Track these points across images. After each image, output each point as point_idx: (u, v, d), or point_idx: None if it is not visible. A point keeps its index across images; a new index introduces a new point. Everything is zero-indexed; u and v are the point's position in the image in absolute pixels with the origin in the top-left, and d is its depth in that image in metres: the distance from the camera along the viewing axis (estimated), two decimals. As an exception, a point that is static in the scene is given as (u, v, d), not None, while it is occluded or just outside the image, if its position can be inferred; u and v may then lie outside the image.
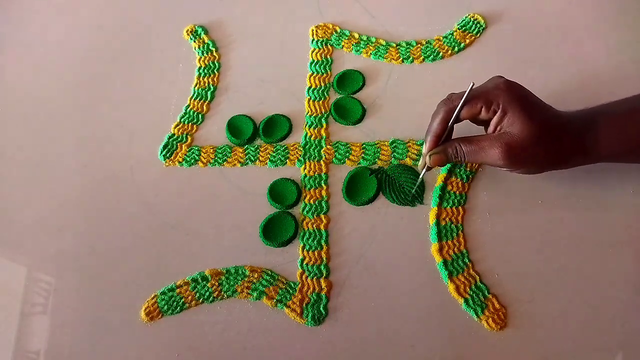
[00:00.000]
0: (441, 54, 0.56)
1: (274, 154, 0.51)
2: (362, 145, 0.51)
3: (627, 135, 0.39)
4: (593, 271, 0.43)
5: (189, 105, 0.54)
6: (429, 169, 0.44)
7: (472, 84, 0.40)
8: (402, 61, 0.56)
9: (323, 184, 0.49)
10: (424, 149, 0.43)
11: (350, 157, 0.50)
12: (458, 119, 0.41)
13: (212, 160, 0.50)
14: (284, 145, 0.51)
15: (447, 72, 0.55)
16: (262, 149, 0.51)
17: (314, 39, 0.58)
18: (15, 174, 0.51)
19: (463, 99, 0.40)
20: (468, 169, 0.48)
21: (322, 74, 0.55)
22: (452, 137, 0.43)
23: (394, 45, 0.57)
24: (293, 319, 0.43)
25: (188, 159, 0.51)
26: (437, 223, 0.46)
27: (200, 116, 0.53)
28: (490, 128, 0.41)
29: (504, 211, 0.46)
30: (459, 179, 0.48)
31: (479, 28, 0.58)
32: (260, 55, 0.57)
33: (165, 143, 0.51)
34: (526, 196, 0.47)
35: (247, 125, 0.52)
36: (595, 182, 0.47)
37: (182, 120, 0.53)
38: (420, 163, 0.45)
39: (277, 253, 0.46)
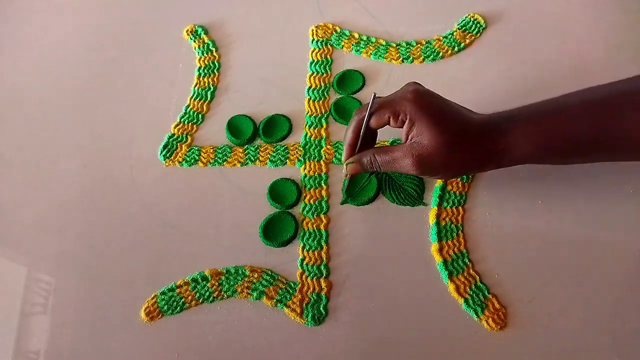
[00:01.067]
0: (441, 54, 0.56)
1: (274, 154, 0.51)
2: (362, 145, 0.51)
3: (537, 139, 0.39)
4: (593, 271, 0.43)
5: (189, 105, 0.54)
6: (352, 177, 0.45)
7: (374, 94, 0.40)
8: (402, 61, 0.56)
9: (323, 184, 0.49)
10: (342, 157, 0.44)
11: (350, 157, 0.50)
12: (370, 128, 0.42)
13: (212, 160, 0.50)
14: (284, 145, 0.51)
15: (447, 72, 0.55)
16: (262, 149, 0.51)
17: (314, 39, 0.58)
18: (15, 174, 0.51)
19: (368, 109, 0.40)
20: (468, 169, 0.48)
21: (322, 74, 0.55)
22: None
23: (394, 45, 0.57)
24: (293, 319, 0.43)
25: (188, 159, 0.51)
26: (437, 223, 0.46)
27: (200, 116, 0.53)
28: (402, 137, 0.41)
29: (504, 211, 0.46)
30: (459, 179, 0.48)
31: (479, 28, 0.58)
32: (260, 55, 0.57)
33: (165, 143, 0.51)
34: (526, 196, 0.47)
35: (247, 125, 0.52)
36: (595, 182, 0.47)
37: (182, 120, 0.53)
38: (343, 172, 0.45)
39: (277, 253, 0.46)
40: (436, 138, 0.38)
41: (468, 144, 0.39)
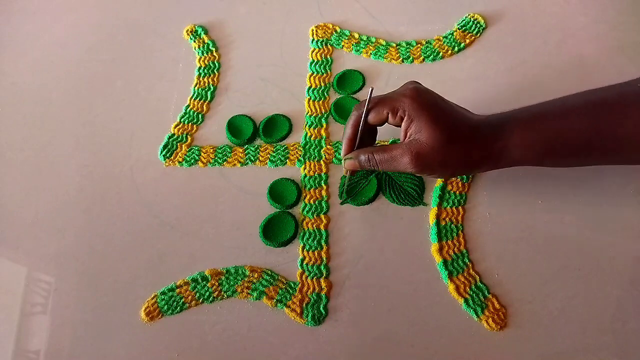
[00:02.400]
0: (441, 54, 0.56)
1: (274, 154, 0.51)
2: (362, 145, 0.51)
3: (533, 141, 0.39)
4: (593, 271, 0.43)
5: (189, 105, 0.54)
6: (352, 172, 0.44)
7: (371, 88, 0.40)
8: (402, 61, 0.56)
9: (323, 184, 0.49)
10: (341, 153, 0.44)
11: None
12: (368, 124, 0.42)
13: (212, 160, 0.50)
14: (284, 145, 0.51)
15: (447, 72, 0.55)
16: (262, 149, 0.51)
17: (314, 39, 0.58)
18: (15, 174, 0.51)
19: (366, 105, 0.40)
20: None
21: (322, 74, 0.55)
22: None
23: (394, 45, 0.57)
24: (293, 319, 0.43)
25: (188, 159, 0.51)
26: (437, 223, 0.46)
27: (200, 116, 0.53)
28: (401, 135, 0.41)
29: (504, 211, 0.46)
30: (459, 179, 0.48)
31: (479, 28, 0.58)
32: (260, 55, 0.57)
33: (165, 143, 0.51)
34: (526, 196, 0.47)
35: (247, 125, 0.52)
36: (595, 182, 0.47)
37: (182, 120, 0.53)
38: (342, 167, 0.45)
39: (277, 253, 0.46)
40: (435, 135, 0.38)
41: (466, 143, 0.39)
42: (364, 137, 0.43)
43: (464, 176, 0.48)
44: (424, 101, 0.39)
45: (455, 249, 0.45)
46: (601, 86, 0.40)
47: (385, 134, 0.46)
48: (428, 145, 0.39)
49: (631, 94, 0.39)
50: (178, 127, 0.52)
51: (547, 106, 0.41)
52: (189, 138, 0.52)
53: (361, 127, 0.42)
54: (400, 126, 0.41)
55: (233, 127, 0.52)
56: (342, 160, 0.44)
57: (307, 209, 0.47)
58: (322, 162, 0.50)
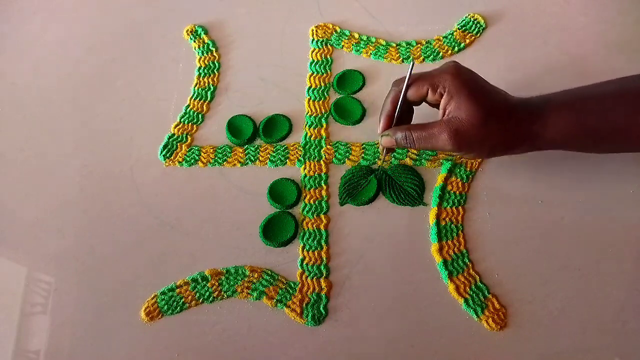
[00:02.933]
0: (441, 54, 0.56)
1: (274, 154, 0.51)
2: (362, 145, 0.51)
3: (571, 124, 0.39)
4: (593, 271, 0.43)
5: (189, 105, 0.54)
6: (388, 150, 0.44)
7: (412, 63, 0.40)
8: (402, 61, 0.56)
9: (323, 184, 0.49)
10: (378, 129, 0.43)
11: (350, 157, 0.50)
12: (407, 101, 0.42)
13: (212, 160, 0.50)
14: (284, 145, 0.51)
15: (447, 72, 0.55)
16: (262, 149, 0.51)
17: (314, 39, 0.58)
18: (15, 174, 0.51)
19: (407, 79, 0.40)
20: (468, 169, 0.48)
21: (322, 74, 0.55)
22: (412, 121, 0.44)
23: (394, 45, 0.57)
24: (293, 319, 0.43)
25: (188, 159, 0.51)
26: (437, 223, 0.46)
27: (200, 116, 0.53)
28: (440, 111, 0.41)
29: (504, 211, 0.46)
30: (459, 179, 0.48)
31: (479, 28, 0.58)
32: (260, 55, 0.57)
33: (165, 143, 0.51)
34: (526, 196, 0.47)
35: (247, 125, 0.52)
36: (595, 182, 0.47)
37: (182, 120, 0.53)
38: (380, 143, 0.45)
39: (277, 253, 0.46)
40: (474, 112, 0.38)
41: (505, 122, 0.39)
42: (402, 116, 0.42)
43: (464, 176, 0.48)
44: (465, 79, 0.39)
45: (455, 249, 0.45)
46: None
47: (422, 117, 0.46)
48: (467, 122, 0.38)
49: None
50: (178, 127, 0.52)
51: (587, 90, 0.41)
52: (189, 138, 0.52)
53: (400, 103, 0.41)
54: (439, 104, 0.40)
55: (233, 127, 0.52)
56: (380, 137, 0.43)
57: (307, 209, 0.47)
58: (322, 162, 0.50)
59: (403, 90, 0.41)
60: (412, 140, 0.41)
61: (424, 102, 0.42)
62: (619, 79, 0.41)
